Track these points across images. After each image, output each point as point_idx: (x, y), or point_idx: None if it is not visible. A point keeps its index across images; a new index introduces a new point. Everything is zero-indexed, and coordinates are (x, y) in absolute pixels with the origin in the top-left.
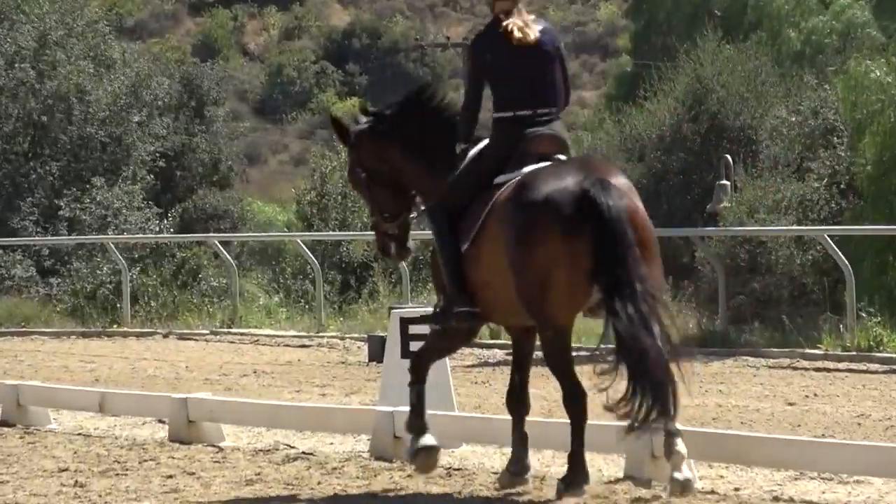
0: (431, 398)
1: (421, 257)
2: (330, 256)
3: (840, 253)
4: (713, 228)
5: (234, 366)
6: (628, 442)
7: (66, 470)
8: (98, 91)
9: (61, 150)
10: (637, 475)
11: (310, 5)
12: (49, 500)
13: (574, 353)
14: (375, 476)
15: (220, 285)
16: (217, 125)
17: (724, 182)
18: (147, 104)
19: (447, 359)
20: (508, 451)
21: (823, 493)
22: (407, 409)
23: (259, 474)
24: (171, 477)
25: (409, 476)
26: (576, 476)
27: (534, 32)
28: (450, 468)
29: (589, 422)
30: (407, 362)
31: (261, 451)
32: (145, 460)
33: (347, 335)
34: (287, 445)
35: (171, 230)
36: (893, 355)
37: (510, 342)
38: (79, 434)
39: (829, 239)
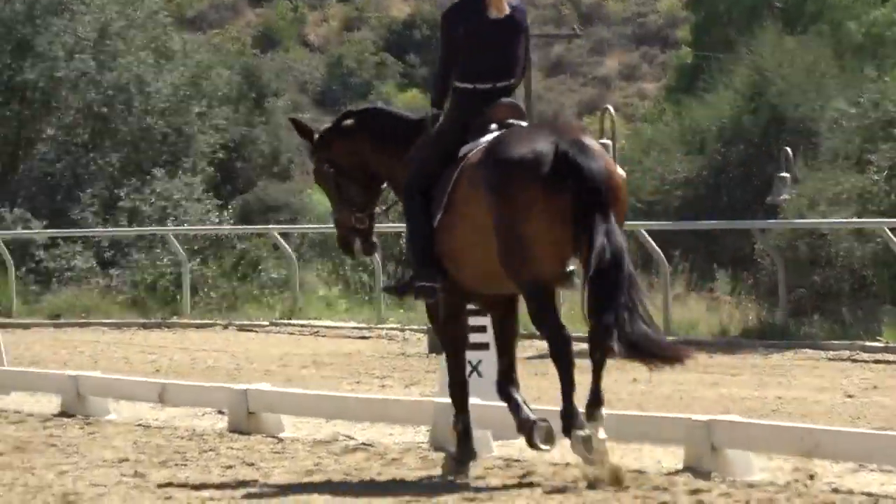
0: (491, 391)
1: None
2: (389, 248)
3: None
4: (773, 221)
5: (294, 357)
6: (688, 435)
7: (125, 460)
8: (158, 82)
9: (121, 142)
10: (696, 467)
11: None
12: (109, 491)
13: None
14: (435, 467)
15: (280, 276)
16: (277, 116)
17: (784, 174)
18: (207, 95)
19: None
20: (568, 442)
21: (883, 485)
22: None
23: (318, 465)
24: (230, 467)
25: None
26: (571, 419)
27: (507, 6)
28: (508, 459)
29: (649, 413)
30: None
31: (320, 441)
32: (205, 451)
33: (407, 327)
34: (346, 436)
35: (231, 221)
36: None
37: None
38: (138, 425)
39: (889, 231)
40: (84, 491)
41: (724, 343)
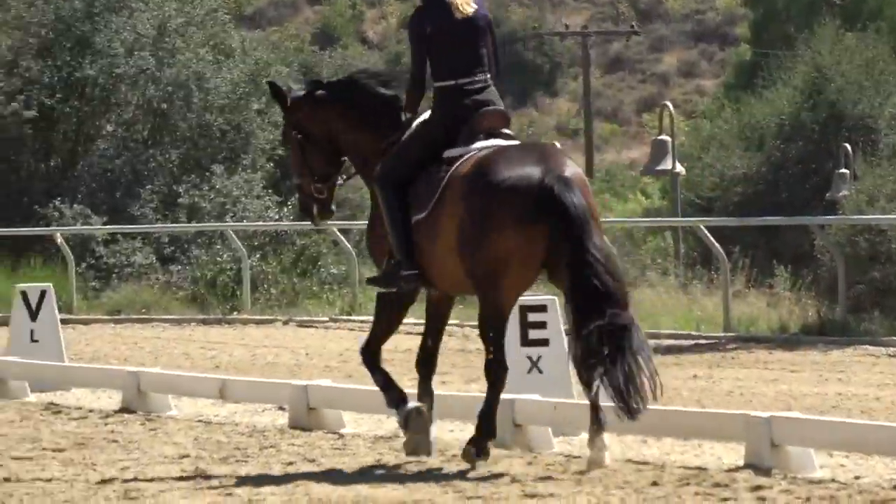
0: (551, 387)
1: None
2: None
3: None
4: (832, 217)
5: (354, 353)
6: (748, 431)
7: (186, 456)
8: (217, 79)
9: (181, 138)
10: (757, 464)
11: None
12: (170, 487)
13: (693, 342)
14: (495, 463)
15: (340, 272)
16: None
17: (844, 171)
18: (266, 92)
19: (566, 347)
20: (627, 438)
21: None
22: (526, 397)
23: (379, 461)
24: (291, 464)
25: (528, 463)
26: (481, 438)
27: (471, 6)
28: (569, 456)
29: (708, 409)
30: (526, 350)
31: (381, 437)
32: (265, 447)
33: (466, 323)
34: None
35: (291, 217)
36: None
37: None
38: (199, 421)
39: None
40: (145, 487)
41: (784, 339)
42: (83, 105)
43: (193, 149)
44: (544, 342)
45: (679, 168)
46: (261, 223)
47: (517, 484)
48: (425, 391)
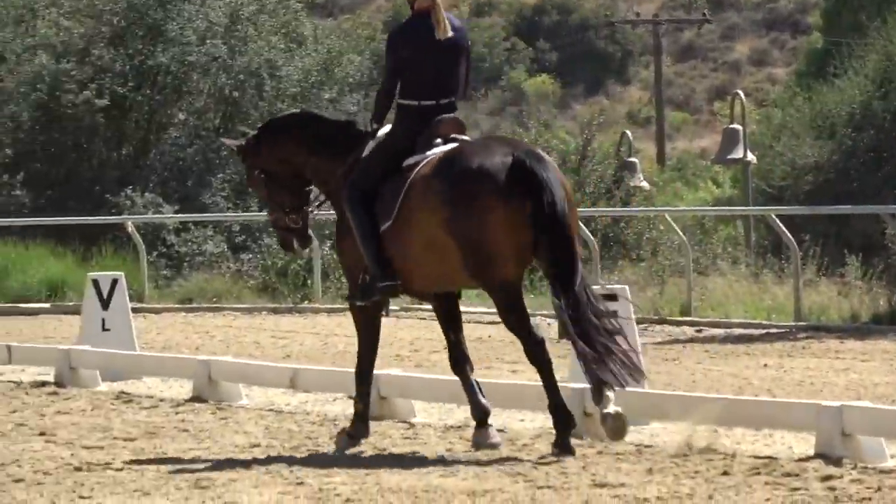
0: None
1: (611, 234)
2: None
3: None
4: None
5: (425, 342)
6: (819, 421)
7: (257, 445)
8: (289, 67)
9: (252, 126)
10: (828, 453)
11: None
12: (240, 476)
13: (764, 332)
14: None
15: None
16: None
17: None
18: (338, 81)
19: (636, 336)
20: (701, 427)
21: None
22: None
23: (450, 450)
24: (361, 453)
25: (599, 453)
26: (564, 429)
27: (451, 29)
28: (640, 445)
29: (779, 399)
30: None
31: (451, 427)
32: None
33: (537, 312)
34: None
35: None
36: None
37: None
38: (270, 410)
39: None
40: (216, 476)
41: (855, 328)
42: (155, 93)
43: None
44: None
45: (750, 157)
46: (332, 212)
47: (587, 473)
48: (471, 388)
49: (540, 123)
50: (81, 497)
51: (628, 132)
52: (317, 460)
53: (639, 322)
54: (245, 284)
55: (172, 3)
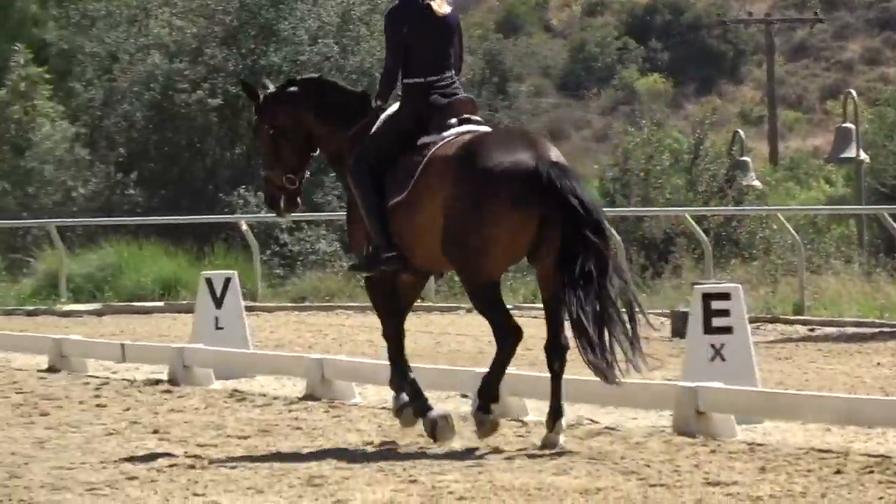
0: (734, 375)
1: (724, 233)
2: (632, 232)
3: None
4: None
5: (538, 340)
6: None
7: (370, 443)
8: None
9: None
10: None
11: None
12: (354, 473)
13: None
14: (678, 451)
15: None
16: (520, 101)
17: None
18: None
19: (749, 334)
20: (812, 426)
21: None
22: (710, 384)
23: (562, 448)
24: (474, 451)
25: (711, 451)
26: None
27: (446, 6)
28: (752, 444)
29: (892, 398)
30: (710, 338)
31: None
32: None
33: (650, 310)
34: (590, 420)
35: None
36: None
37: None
38: (383, 408)
39: None
40: (329, 474)
41: None
42: None
43: None
44: (727, 330)
45: (863, 156)
46: None
47: (700, 471)
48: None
49: (653, 122)
50: (195, 494)
51: (740, 131)
52: (430, 458)
53: (752, 321)
54: (358, 283)
55: (285, 2)
